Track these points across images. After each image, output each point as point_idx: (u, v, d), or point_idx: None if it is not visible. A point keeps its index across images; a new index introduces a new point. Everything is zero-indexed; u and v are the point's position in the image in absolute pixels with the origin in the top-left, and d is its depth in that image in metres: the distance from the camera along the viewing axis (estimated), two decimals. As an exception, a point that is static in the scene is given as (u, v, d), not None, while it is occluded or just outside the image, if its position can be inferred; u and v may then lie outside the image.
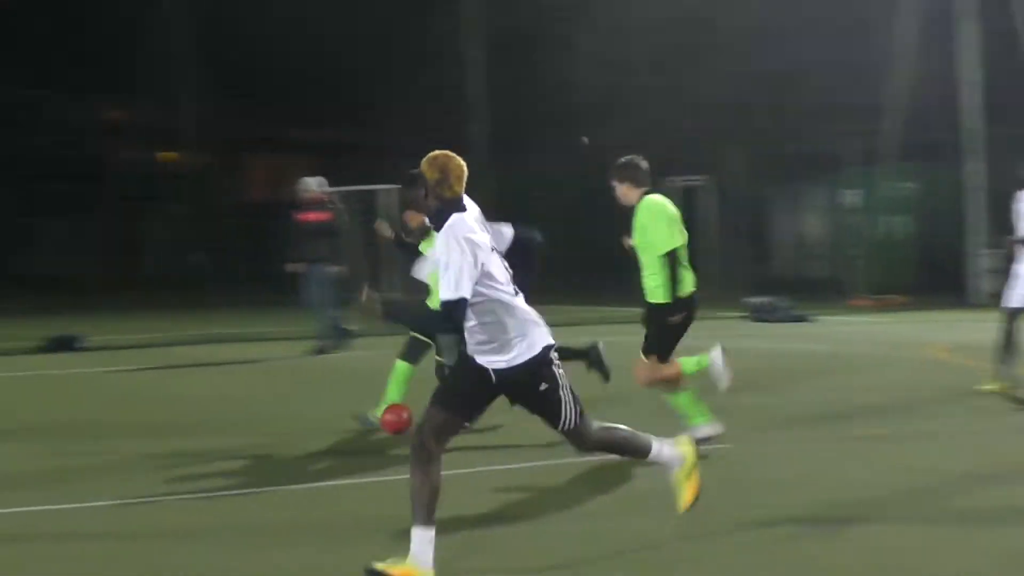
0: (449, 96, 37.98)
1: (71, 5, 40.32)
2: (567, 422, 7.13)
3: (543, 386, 7.04)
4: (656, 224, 10.53)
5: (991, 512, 8.53)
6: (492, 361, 6.98)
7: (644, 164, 10.67)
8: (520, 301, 7.07)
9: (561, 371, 7.12)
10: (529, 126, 36.80)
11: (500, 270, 7.03)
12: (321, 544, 7.84)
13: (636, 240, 10.68)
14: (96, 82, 41.81)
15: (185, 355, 19.66)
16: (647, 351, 10.71)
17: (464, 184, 7.05)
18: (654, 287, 10.58)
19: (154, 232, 43.83)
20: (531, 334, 7.01)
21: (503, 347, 6.97)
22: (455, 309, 6.83)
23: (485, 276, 6.91)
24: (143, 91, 42.67)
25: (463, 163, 7.08)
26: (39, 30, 40.78)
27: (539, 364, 7.01)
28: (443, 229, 6.94)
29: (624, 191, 10.63)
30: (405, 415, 11.43)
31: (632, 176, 10.60)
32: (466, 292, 6.81)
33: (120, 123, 44.12)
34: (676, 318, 10.56)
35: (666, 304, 10.54)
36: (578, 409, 7.16)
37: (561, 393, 7.07)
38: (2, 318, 27.16)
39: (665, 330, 10.63)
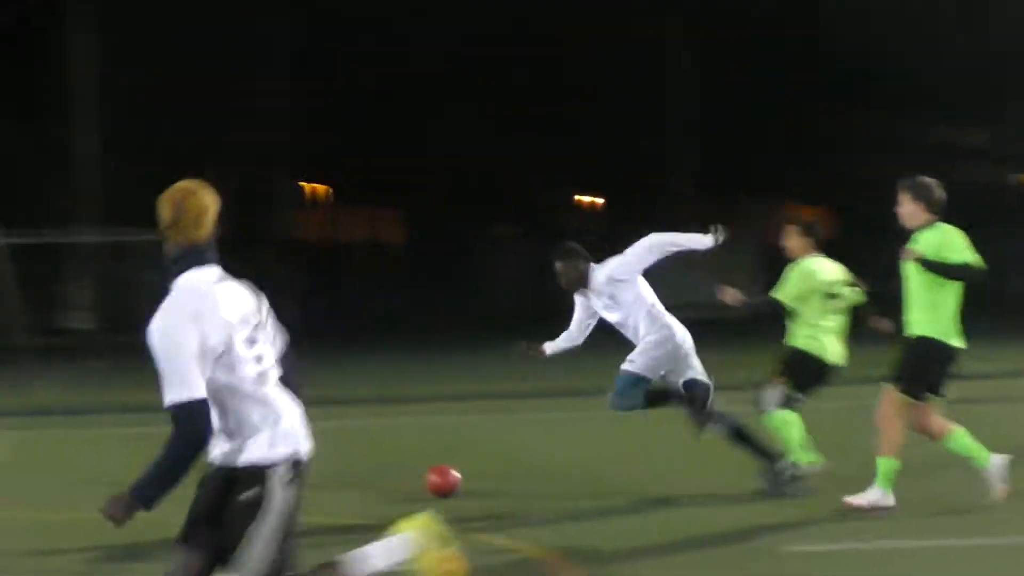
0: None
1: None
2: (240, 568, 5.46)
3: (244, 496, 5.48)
4: (961, 245, 9.83)
5: None
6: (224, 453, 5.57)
7: (942, 192, 9.95)
8: (273, 390, 5.61)
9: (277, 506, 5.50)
10: None
11: (248, 349, 5.53)
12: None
13: (915, 269, 9.86)
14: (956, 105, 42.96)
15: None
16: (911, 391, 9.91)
17: (208, 228, 5.56)
18: (926, 320, 9.85)
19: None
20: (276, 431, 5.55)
21: (238, 436, 5.54)
22: (192, 415, 5.28)
23: (227, 360, 5.45)
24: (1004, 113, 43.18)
25: (208, 201, 5.57)
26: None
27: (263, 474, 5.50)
28: (166, 299, 5.47)
29: (912, 210, 9.91)
30: (451, 476, 10.97)
31: (927, 197, 9.87)
32: (199, 390, 5.32)
33: (974, 145, 44.99)
34: (943, 357, 9.84)
35: (939, 341, 9.82)
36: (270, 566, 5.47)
37: (255, 530, 5.46)
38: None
39: (928, 365, 9.87)
